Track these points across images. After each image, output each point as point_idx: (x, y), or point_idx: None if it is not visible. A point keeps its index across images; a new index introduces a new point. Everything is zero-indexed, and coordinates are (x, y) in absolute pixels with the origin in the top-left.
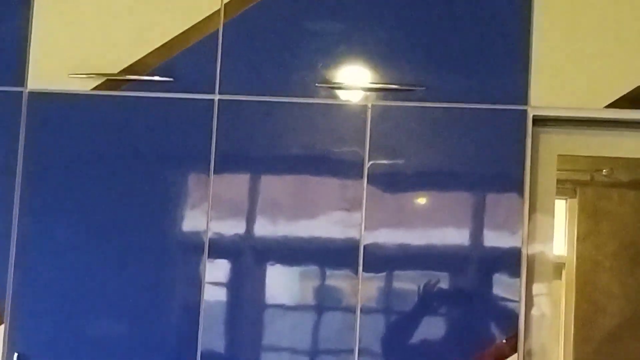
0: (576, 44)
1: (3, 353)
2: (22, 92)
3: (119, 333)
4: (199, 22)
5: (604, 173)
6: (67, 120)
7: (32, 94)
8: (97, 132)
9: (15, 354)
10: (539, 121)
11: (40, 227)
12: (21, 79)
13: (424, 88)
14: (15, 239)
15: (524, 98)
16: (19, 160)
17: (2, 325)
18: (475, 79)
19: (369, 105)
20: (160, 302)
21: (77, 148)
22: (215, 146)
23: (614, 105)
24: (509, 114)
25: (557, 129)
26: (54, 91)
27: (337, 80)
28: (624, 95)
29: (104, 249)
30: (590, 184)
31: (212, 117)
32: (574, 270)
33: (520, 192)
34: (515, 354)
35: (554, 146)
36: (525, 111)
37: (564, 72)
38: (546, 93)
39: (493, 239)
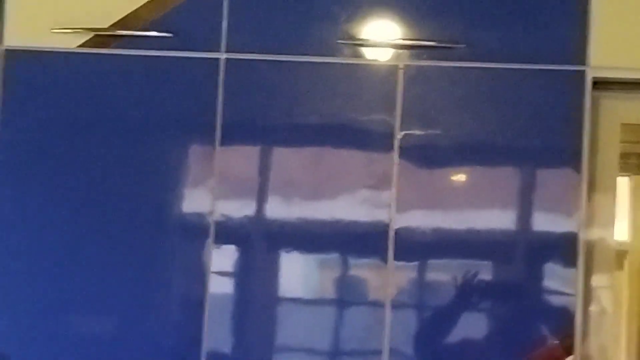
0: None
1: None
2: None
3: (110, 331)
4: None
5: None
6: (49, 82)
7: (9, 52)
8: (83, 96)
9: None
10: (599, 84)
11: (16, 208)
12: None
13: (464, 45)
14: None
15: (581, 57)
16: None
17: None
18: (525, 34)
19: (401, 65)
20: (158, 295)
21: (60, 114)
22: (222, 113)
23: None
24: (564, 76)
25: (621, 93)
26: (34, 48)
27: (362, 36)
28: None
29: (91, 232)
30: None
31: (218, 79)
32: (639, 258)
33: (577, 168)
34: (571, 357)
35: (616, 113)
36: (583, 72)
37: (630, 27)
38: (608, 51)
39: (545, 222)
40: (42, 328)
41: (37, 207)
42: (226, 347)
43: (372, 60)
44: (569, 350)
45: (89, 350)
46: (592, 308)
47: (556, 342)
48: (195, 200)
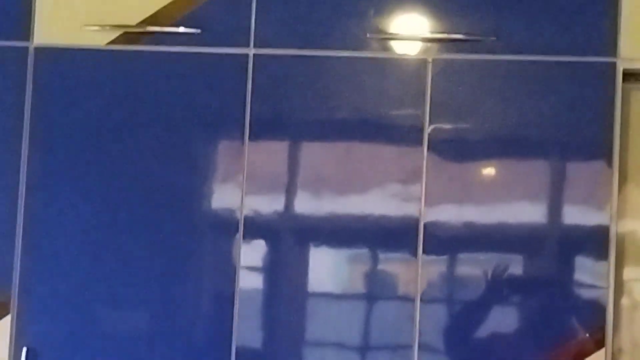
0: None
1: (10, 347)
2: (27, 47)
3: (142, 326)
4: None
5: None
6: (79, 80)
7: (39, 50)
8: (113, 92)
9: (24, 349)
10: (630, 76)
11: (50, 204)
12: (26, 33)
13: (493, 38)
14: (22, 218)
15: (612, 49)
16: (25, 125)
17: (9, 316)
18: (554, 26)
19: (429, 59)
20: (189, 290)
21: (90, 111)
22: (250, 108)
23: None
24: (594, 68)
25: None
26: (64, 46)
27: (391, 30)
28: None
29: (123, 228)
30: None
31: (247, 74)
32: None
33: (609, 160)
34: (602, 350)
35: None
36: (614, 64)
37: None
38: (639, 43)
39: (576, 215)
40: (73, 322)
41: (69, 203)
42: (256, 341)
43: (401, 54)
44: (600, 344)
45: (123, 343)
46: (624, 301)
47: (587, 335)
48: (225, 196)
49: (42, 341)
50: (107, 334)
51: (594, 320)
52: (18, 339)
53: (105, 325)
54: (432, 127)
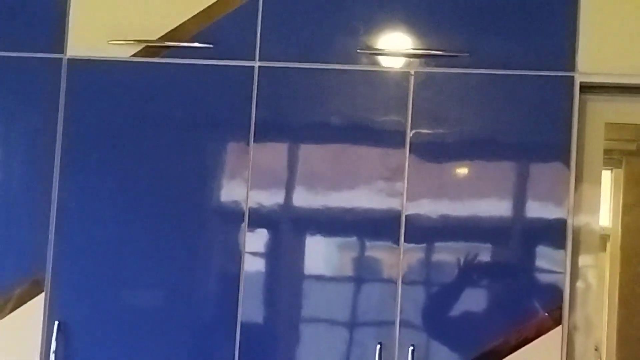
0: (625, 7)
1: (44, 321)
2: (61, 58)
3: (159, 303)
4: None
5: None
6: (107, 87)
7: (72, 61)
8: (136, 99)
9: (56, 322)
10: (586, 88)
11: (80, 196)
12: (60, 46)
13: (468, 54)
14: (55, 208)
15: (571, 64)
16: (58, 128)
17: (43, 294)
18: (521, 44)
19: (412, 72)
20: (200, 271)
21: (116, 115)
22: (255, 114)
23: None
24: (555, 81)
25: (605, 96)
26: (94, 58)
27: (378, 47)
28: None
29: (144, 217)
30: (636, 153)
31: (252, 84)
32: (619, 241)
33: (567, 162)
34: (559, 327)
35: (601, 114)
36: (572, 77)
37: (612, 38)
38: (594, 59)
39: (538, 209)
40: (99, 299)
41: (96, 195)
42: (258, 317)
43: (387, 67)
44: (558, 322)
45: (140, 318)
46: (579, 285)
47: (546, 314)
48: (232, 190)
49: (72, 315)
50: (128, 309)
51: (553, 301)
52: (51, 314)
53: (127, 301)
54: (413, 131)
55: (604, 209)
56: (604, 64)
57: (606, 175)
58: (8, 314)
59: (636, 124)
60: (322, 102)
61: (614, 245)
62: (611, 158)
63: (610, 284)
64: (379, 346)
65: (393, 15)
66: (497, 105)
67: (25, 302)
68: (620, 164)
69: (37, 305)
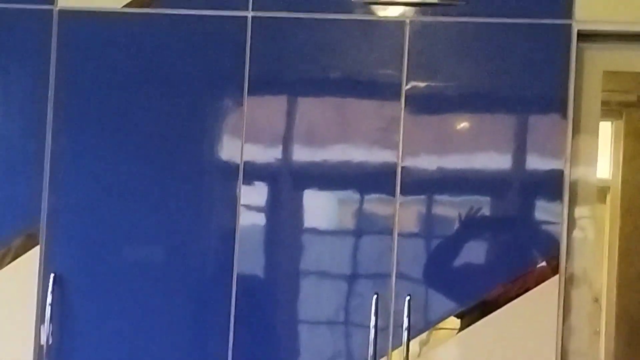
0: None
1: (40, 273)
2: (52, 10)
3: (155, 256)
4: None
5: None
6: (98, 39)
7: (63, 12)
8: (128, 51)
9: (52, 275)
10: (584, 36)
11: (73, 149)
12: None
13: (464, 2)
14: (49, 160)
15: (568, 12)
16: (50, 81)
17: (38, 247)
18: None
19: (407, 21)
20: (196, 225)
21: (109, 67)
22: (249, 67)
23: None
24: (552, 29)
25: (603, 44)
26: (85, 9)
27: None
28: None
29: (139, 171)
30: (636, 105)
31: (246, 35)
32: (619, 193)
33: (564, 113)
34: (557, 276)
35: (599, 63)
36: (569, 25)
37: None
38: (592, 6)
39: (535, 161)
40: (95, 251)
41: (90, 146)
42: (254, 269)
43: (382, 16)
44: (555, 271)
45: (136, 271)
46: (576, 235)
47: (545, 263)
48: (227, 144)
49: (67, 268)
50: (124, 262)
51: (550, 251)
52: (46, 266)
53: (123, 254)
54: (409, 84)
55: (604, 161)
56: (602, 11)
57: (606, 127)
58: (4, 267)
59: (636, 73)
60: (316, 53)
61: (614, 197)
62: (611, 109)
63: (610, 236)
64: (375, 296)
65: None
66: (493, 55)
67: (20, 255)
68: (621, 116)
69: (32, 258)
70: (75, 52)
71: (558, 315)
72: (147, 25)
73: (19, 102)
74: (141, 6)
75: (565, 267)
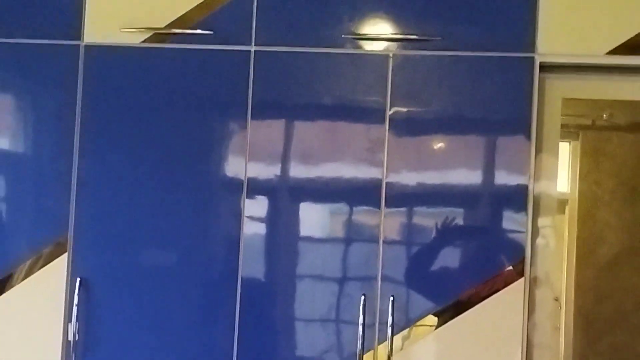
0: None
1: (67, 277)
2: (79, 45)
3: (169, 261)
4: None
5: (604, 117)
6: (120, 71)
7: (88, 47)
8: (146, 81)
9: (78, 279)
10: (545, 67)
11: (97, 168)
12: (78, 33)
13: (440, 38)
14: (76, 178)
15: (531, 46)
16: (77, 108)
17: (66, 254)
18: (487, 29)
19: (390, 54)
20: (205, 234)
21: (128, 95)
22: (252, 94)
23: (614, 52)
24: (517, 61)
25: (562, 74)
26: (108, 44)
27: (361, 32)
28: (624, 43)
29: (155, 186)
30: (591, 127)
31: (249, 67)
32: (577, 205)
33: (528, 135)
34: (522, 279)
35: (559, 91)
36: (532, 58)
37: (568, 22)
38: (552, 41)
39: (502, 177)
40: (116, 258)
41: (112, 170)
42: (258, 275)
43: (369, 50)
44: (521, 274)
45: (151, 275)
46: (539, 242)
47: (511, 267)
48: (233, 162)
49: (92, 273)
50: (141, 267)
51: (516, 256)
52: (73, 272)
53: (140, 260)
54: (392, 109)
55: (563, 177)
56: (561, 45)
57: (565, 147)
58: (37, 271)
59: (591, 100)
60: (311, 82)
61: (571, 209)
62: (569, 131)
63: (569, 242)
64: (363, 297)
65: (374, 4)
66: (466, 84)
67: (50, 261)
68: (577, 137)
69: (61, 264)
70: (99, 82)
71: (524, 313)
72: (162, 58)
73: (50, 127)
74: (157, 42)
75: (530, 271)
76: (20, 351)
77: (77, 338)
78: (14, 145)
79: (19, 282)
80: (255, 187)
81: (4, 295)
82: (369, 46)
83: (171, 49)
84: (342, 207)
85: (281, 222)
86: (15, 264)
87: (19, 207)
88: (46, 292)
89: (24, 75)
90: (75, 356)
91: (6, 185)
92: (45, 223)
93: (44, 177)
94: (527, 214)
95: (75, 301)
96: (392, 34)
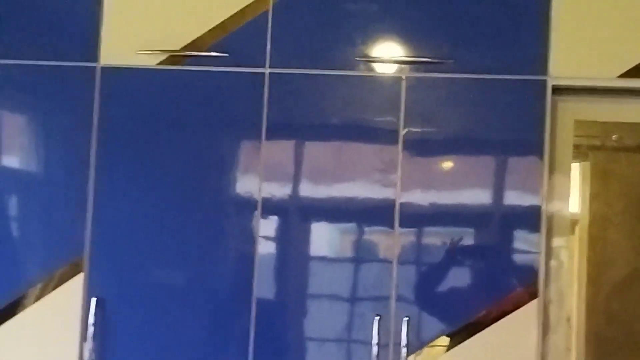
0: (591, 19)
1: (83, 297)
2: (95, 67)
3: (184, 281)
4: (251, 4)
5: (613, 139)
6: (136, 92)
7: (105, 69)
8: (162, 103)
9: (94, 299)
10: (557, 90)
11: (113, 188)
12: (94, 56)
13: (452, 61)
14: (91, 200)
15: (544, 69)
16: (93, 129)
17: (82, 274)
18: (500, 52)
19: (403, 77)
20: (220, 253)
21: (144, 117)
22: (266, 115)
23: (625, 75)
24: (530, 84)
25: (574, 97)
26: (124, 66)
27: (374, 55)
28: (635, 66)
29: (170, 207)
30: (601, 148)
31: (263, 88)
32: (587, 225)
33: (540, 156)
34: (535, 300)
35: (571, 113)
36: (545, 81)
37: (580, 45)
38: (564, 64)
39: (515, 198)
40: (131, 278)
41: (128, 190)
42: (271, 294)
43: (382, 73)
44: (534, 295)
45: (167, 295)
46: (552, 263)
47: (524, 289)
48: (247, 182)
49: (107, 292)
50: (157, 286)
51: (529, 277)
52: (89, 291)
53: (156, 279)
54: (405, 130)
55: (573, 197)
56: (573, 68)
57: (575, 168)
58: (51, 291)
59: (601, 122)
60: (325, 104)
61: (582, 229)
62: (579, 152)
63: (579, 263)
64: (377, 318)
65: (386, 27)
66: (478, 106)
67: (66, 281)
68: (587, 158)
69: (76, 284)
70: (115, 103)
71: (538, 334)
72: (177, 80)
73: (65, 147)
74: (173, 64)
75: (544, 292)
76: None
77: (92, 357)
78: (30, 165)
79: (33, 303)
80: (270, 207)
81: (18, 316)
82: (381, 68)
83: (187, 71)
84: (355, 227)
85: (296, 242)
86: (29, 284)
87: (35, 228)
88: (61, 312)
89: (41, 97)
90: None
91: (22, 206)
92: (61, 243)
93: (60, 198)
94: (540, 235)
95: (91, 321)
96: (405, 56)
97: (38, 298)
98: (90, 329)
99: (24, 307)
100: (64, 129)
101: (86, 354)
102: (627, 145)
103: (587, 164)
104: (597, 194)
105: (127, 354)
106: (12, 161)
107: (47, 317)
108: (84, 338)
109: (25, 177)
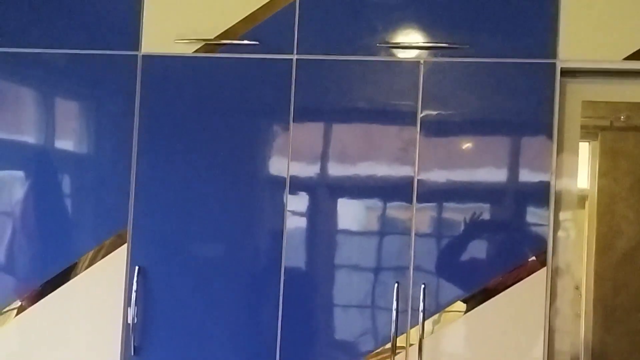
0: (597, 7)
1: (127, 266)
2: (137, 55)
3: (218, 252)
4: None
5: (621, 119)
6: (174, 79)
7: (145, 57)
8: (198, 88)
9: (137, 267)
10: (566, 72)
11: (153, 167)
12: (136, 45)
13: (468, 46)
14: (134, 178)
15: (553, 53)
16: (135, 113)
17: (126, 244)
18: (511, 37)
19: (422, 61)
20: (251, 227)
21: (182, 102)
22: (294, 99)
23: (631, 57)
24: (540, 67)
25: (582, 79)
26: (163, 54)
27: (394, 41)
28: None
29: (206, 184)
30: (609, 128)
31: (292, 74)
32: (596, 200)
33: (550, 135)
34: (544, 268)
35: (579, 94)
36: (554, 64)
37: (587, 29)
38: (572, 48)
39: (526, 175)
40: (171, 248)
41: (168, 169)
42: (299, 265)
43: (401, 58)
44: (543, 264)
45: (203, 265)
46: (560, 234)
47: (534, 258)
48: (276, 162)
49: (149, 262)
50: (194, 257)
51: (539, 247)
52: (132, 261)
53: (193, 250)
54: (423, 112)
55: (583, 174)
56: (581, 52)
57: (585, 147)
58: (99, 260)
59: (609, 102)
60: (348, 88)
61: (591, 204)
62: (589, 132)
63: (588, 236)
64: (396, 285)
65: (406, 15)
66: (492, 88)
67: (111, 252)
68: (596, 137)
69: (121, 254)
70: (155, 89)
71: (546, 300)
72: (212, 66)
73: (110, 130)
74: (208, 52)
75: (552, 261)
76: (84, 332)
77: (135, 321)
78: (79, 147)
79: (84, 270)
80: (297, 184)
81: (70, 282)
82: (401, 54)
83: (220, 58)
84: (377, 202)
85: (321, 216)
86: (80, 253)
87: (84, 203)
88: (108, 279)
89: (87, 84)
90: (134, 338)
91: (73, 184)
92: (107, 217)
93: (106, 177)
94: (549, 209)
95: (134, 287)
96: (423, 42)
97: (88, 266)
98: (133, 295)
99: (76, 274)
100: (109, 113)
101: (130, 318)
102: (635, 124)
103: (597, 143)
104: (606, 171)
105: (167, 318)
106: (64, 144)
107: (96, 283)
108: (128, 303)
109: (74, 157)
